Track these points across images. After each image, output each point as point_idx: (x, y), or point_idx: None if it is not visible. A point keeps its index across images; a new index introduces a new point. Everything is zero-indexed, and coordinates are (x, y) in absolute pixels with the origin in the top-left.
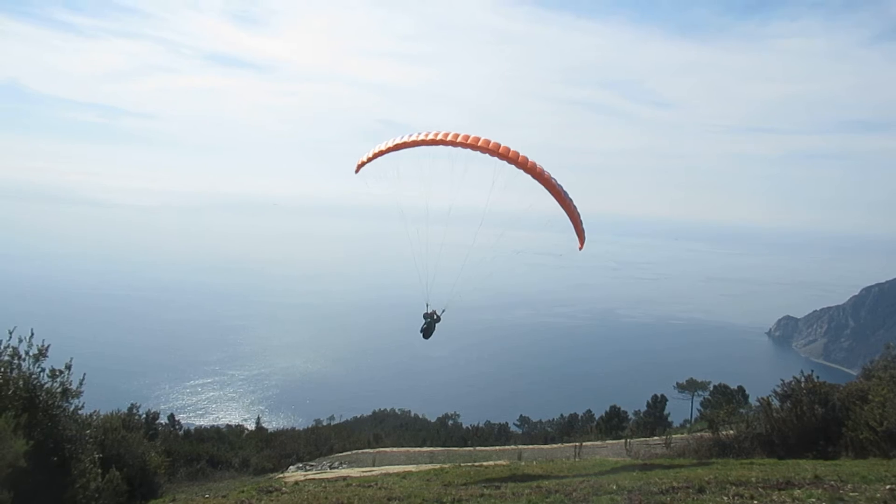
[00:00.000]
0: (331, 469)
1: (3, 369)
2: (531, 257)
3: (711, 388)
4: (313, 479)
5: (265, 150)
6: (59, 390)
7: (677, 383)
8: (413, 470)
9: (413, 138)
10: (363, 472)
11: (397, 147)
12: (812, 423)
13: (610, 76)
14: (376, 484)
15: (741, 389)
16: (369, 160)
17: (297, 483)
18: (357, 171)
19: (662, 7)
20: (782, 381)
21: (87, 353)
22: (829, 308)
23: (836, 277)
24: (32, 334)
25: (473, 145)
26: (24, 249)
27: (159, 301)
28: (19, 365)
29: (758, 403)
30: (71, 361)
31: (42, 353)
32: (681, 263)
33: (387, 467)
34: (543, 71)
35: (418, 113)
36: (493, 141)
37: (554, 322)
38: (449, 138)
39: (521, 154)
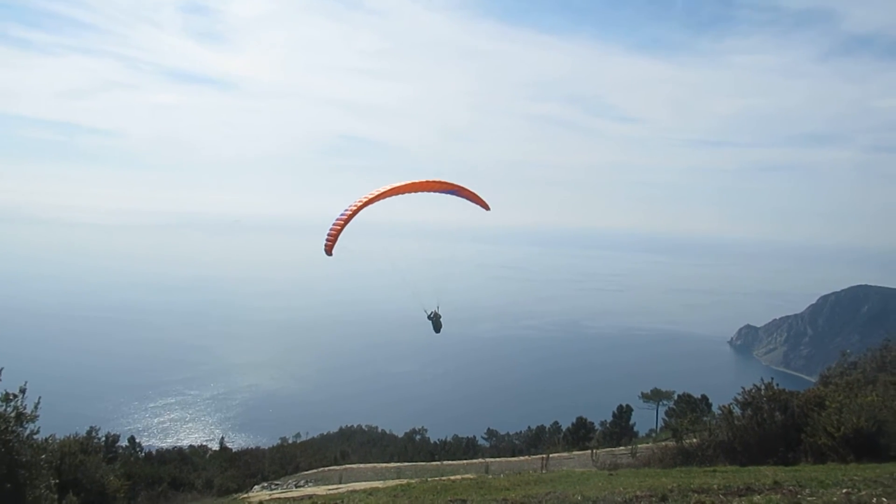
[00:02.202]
0: (296, 488)
1: None
2: (494, 270)
3: (676, 398)
4: (278, 498)
5: (228, 167)
6: (12, 415)
7: (642, 393)
8: (380, 486)
9: (356, 205)
10: (329, 489)
11: (349, 218)
12: (772, 429)
13: (573, 92)
14: (342, 502)
15: (704, 398)
16: (333, 244)
17: (261, 503)
18: (331, 254)
19: (623, 24)
20: (743, 388)
21: (47, 376)
22: (787, 317)
23: (792, 286)
24: None
25: (399, 191)
26: None
27: (120, 321)
28: None
29: (720, 412)
30: (25, 385)
31: None
32: (644, 275)
33: (354, 484)
34: (508, 87)
35: (382, 128)
36: (407, 182)
37: (520, 335)
38: (379, 192)
39: (426, 180)
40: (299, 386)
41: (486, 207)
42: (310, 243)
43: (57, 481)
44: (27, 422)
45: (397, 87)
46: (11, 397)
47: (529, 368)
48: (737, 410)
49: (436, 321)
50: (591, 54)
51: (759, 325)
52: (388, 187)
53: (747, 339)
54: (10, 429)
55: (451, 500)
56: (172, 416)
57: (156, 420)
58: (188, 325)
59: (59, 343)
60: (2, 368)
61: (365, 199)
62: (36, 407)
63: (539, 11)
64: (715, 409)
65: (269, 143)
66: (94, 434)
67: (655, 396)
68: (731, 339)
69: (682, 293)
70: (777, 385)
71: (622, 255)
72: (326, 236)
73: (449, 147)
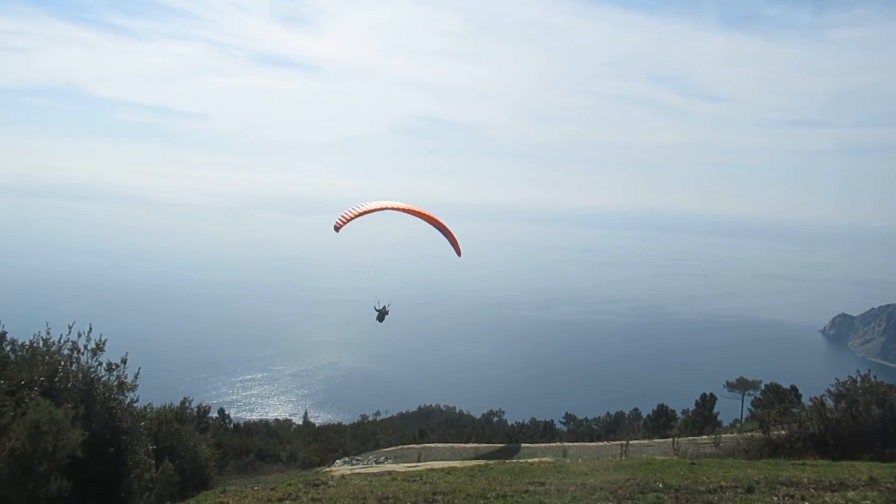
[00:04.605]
0: (377, 464)
1: (62, 363)
2: (570, 253)
3: (763, 388)
4: (359, 473)
5: (312, 149)
6: (115, 383)
7: (727, 382)
8: (458, 466)
9: (368, 207)
10: (408, 467)
11: (362, 213)
12: (868, 423)
13: (658, 70)
14: (421, 479)
15: (794, 389)
16: (343, 224)
17: (343, 477)
18: (337, 231)
19: None
20: (837, 380)
21: (139, 352)
22: (887, 306)
23: (892, 275)
24: (91, 329)
25: (401, 209)
26: (79, 248)
27: (203, 301)
28: (78, 359)
29: (811, 403)
30: (126, 356)
31: (99, 348)
32: (727, 260)
33: (432, 463)
34: (589, 65)
35: (462, 109)
36: (411, 206)
37: (599, 319)
38: (389, 205)
39: (425, 212)
40: (378, 365)
41: (458, 253)
42: (391, 225)
43: (154, 447)
44: (128, 391)
45: (478, 68)
46: (114, 367)
47: (608, 352)
48: (829, 402)
49: (381, 314)
50: (678, 31)
51: (854, 315)
52: (399, 204)
53: (841, 328)
54: (112, 396)
55: (529, 483)
56: (258, 390)
57: (243, 393)
58: (273, 302)
59: (143, 320)
60: (105, 340)
61: (375, 207)
62: (136, 377)
63: None
64: (805, 400)
65: (350, 126)
66: (187, 405)
67: (741, 385)
68: (824, 328)
69: (768, 279)
70: (874, 377)
71: (702, 239)
72: (340, 216)
73: (528, 127)
